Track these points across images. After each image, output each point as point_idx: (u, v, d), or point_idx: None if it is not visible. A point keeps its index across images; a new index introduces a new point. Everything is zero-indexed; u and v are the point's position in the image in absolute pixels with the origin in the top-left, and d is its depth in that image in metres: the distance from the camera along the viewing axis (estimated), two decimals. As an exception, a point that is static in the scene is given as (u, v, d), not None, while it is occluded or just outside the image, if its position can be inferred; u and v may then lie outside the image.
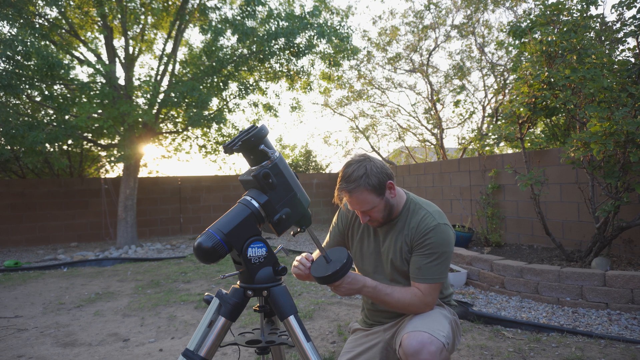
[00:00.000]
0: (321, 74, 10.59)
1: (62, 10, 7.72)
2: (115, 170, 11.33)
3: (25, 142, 6.77)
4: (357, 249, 1.86)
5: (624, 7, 4.78)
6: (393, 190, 1.67)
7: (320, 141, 26.12)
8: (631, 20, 4.53)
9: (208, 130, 9.55)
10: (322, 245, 1.95)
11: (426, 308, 1.64)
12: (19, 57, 6.75)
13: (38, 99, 8.13)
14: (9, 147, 7.72)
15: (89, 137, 8.74)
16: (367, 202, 1.63)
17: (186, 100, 7.89)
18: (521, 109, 4.51)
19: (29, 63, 6.84)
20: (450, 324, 1.65)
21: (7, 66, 6.81)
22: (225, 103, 9.28)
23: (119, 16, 7.64)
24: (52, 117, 7.89)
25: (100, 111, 7.52)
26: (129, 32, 8.25)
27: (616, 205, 3.88)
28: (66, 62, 7.33)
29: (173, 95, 7.69)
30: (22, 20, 7.11)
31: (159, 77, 8.32)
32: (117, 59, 8.23)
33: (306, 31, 8.20)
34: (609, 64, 4.17)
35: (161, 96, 7.88)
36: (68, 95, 7.74)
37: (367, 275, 1.80)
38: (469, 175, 6.82)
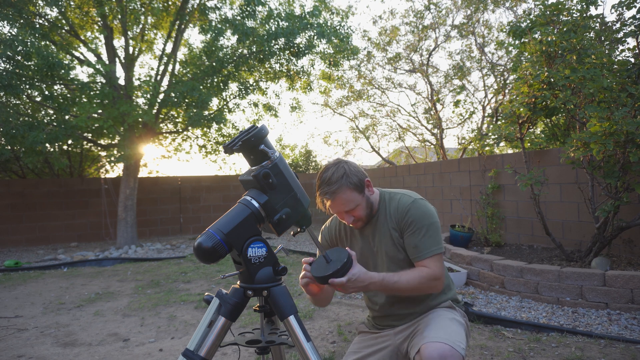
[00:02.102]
0: (321, 74, 10.60)
1: (62, 10, 7.72)
2: (115, 170, 11.34)
3: (25, 142, 6.77)
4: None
5: (624, 7, 4.77)
6: (371, 187, 1.72)
7: (320, 141, 26.16)
8: (631, 20, 4.53)
9: (208, 130, 9.55)
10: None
11: (437, 283, 1.64)
12: (19, 57, 6.75)
13: (38, 99, 8.14)
14: (9, 147, 7.73)
15: (89, 137, 8.74)
16: (350, 201, 1.65)
17: (186, 100, 7.90)
18: (521, 109, 4.51)
19: (29, 63, 6.84)
20: (465, 329, 1.66)
21: (7, 66, 6.81)
22: (225, 103, 9.28)
23: (119, 16, 7.64)
24: (52, 117, 7.89)
25: (100, 111, 7.52)
26: (129, 32, 8.25)
27: (616, 205, 3.88)
28: (66, 62, 7.33)
29: (173, 95, 7.70)
30: (22, 20, 7.11)
31: (159, 77, 8.32)
32: (117, 59, 8.23)
33: (306, 31, 8.20)
34: (609, 64, 4.17)
35: (161, 96, 7.88)
36: (68, 95, 7.75)
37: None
38: (469, 175, 6.82)
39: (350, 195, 1.64)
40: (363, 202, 1.68)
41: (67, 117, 7.56)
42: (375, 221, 1.77)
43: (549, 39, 4.35)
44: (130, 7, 7.58)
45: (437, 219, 1.69)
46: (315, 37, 8.29)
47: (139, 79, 8.32)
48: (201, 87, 8.00)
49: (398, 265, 1.74)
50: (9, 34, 6.94)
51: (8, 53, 6.55)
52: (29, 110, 8.90)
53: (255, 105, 9.87)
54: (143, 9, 8.05)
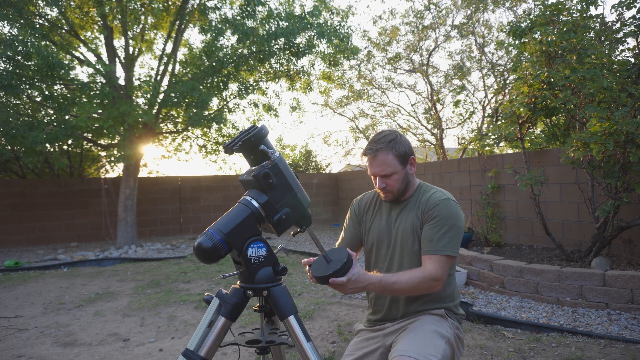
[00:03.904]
0: (321, 74, 10.60)
1: (62, 10, 7.72)
2: (115, 170, 11.35)
3: (25, 142, 6.77)
4: (372, 232, 1.86)
5: (624, 7, 4.78)
6: (414, 167, 1.74)
7: (320, 141, 26.14)
8: (631, 20, 4.53)
9: (208, 130, 9.55)
10: (338, 242, 1.95)
11: (437, 284, 1.61)
12: (19, 57, 6.75)
13: (38, 99, 8.14)
14: (9, 147, 7.73)
15: (89, 137, 8.74)
16: (389, 165, 1.67)
17: (186, 100, 7.90)
18: (521, 109, 4.51)
19: (29, 63, 6.84)
20: (448, 342, 1.62)
21: (8, 66, 6.81)
22: (225, 103, 9.28)
23: (119, 16, 7.64)
24: (52, 117, 7.89)
25: (100, 111, 7.53)
26: (129, 32, 8.25)
27: (616, 205, 3.88)
28: (66, 62, 7.33)
29: (173, 95, 7.70)
30: (22, 21, 7.11)
31: (159, 77, 8.32)
32: (117, 59, 8.23)
33: (306, 31, 8.20)
34: (609, 64, 4.17)
35: (161, 96, 7.88)
36: (68, 95, 7.75)
37: (381, 259, 1.80)
38: (469, 175, 6.82)
39: (392, 160, 1.67)
40: (401, 174, 1.70)
41: (67, 117, 7.56)
42: (405, 205, 1.78)
43: (549, 39, 4.35)
44: (130, 7, 7.58)
45: (462, 224, 1.68)
46: (315, 37, 8.29)
47: (139, 79, 8.32)
48: (201, 87, 8.00)
49: (410, 254, 1.72)
50: (9, 34, 6.94)
51: (8, 53, 6.55)
52: (29, 110, 8.89)
53: (255, 105, 9.87)
54: (143, 9, 8.05)
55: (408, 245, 1.73)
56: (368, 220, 1.88)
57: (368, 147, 1.70)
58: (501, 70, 10.71)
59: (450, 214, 1.67)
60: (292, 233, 1.45)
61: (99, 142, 8.83)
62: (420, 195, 1.77)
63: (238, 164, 13.91)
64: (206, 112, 8.41)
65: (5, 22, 7.02)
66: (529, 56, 4.79)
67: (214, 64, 8.15)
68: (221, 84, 8.62)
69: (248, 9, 7.85)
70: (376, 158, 1.67)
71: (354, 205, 1.94)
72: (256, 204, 1.32)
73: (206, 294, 1.36)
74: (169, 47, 8.52)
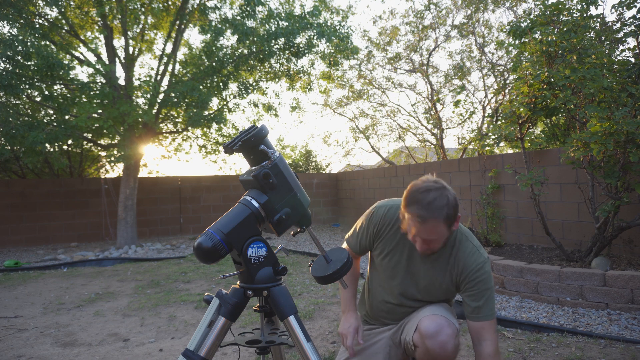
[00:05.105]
0: (321, 74, 10.60)
1: (62, 10, 7.72)
2: (115, 170, 11.35)
3: (25, 142, 6.77)
4: (386, 263, 1.80)
5: (624, 7, 4.77)
6: (457, 223, 1.63)
7: (320, 141, 26.16)
8: (631, 20, 4.53)
9: (208, 130, 9.55)
10: (347, 244, 1.95)
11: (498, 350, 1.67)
12: (19, 57, 6.75)
13: (38, 99, 8.14)
14: (9, 147, 7.72)
15: (89, 137, 8.74)
16: (437, 234, 1.56)
17: (186, 100, 7.89)
18: (521, 109, 4.51)
19: (29, 63, 6.84)
20: (457, 320, 1.77)
21: (7, 66, 6.81)
22: (225, 103, 9.28)
23: (119, 16, 7.64)
24: (52, 117, 7.89)
25: (100, 111, 7.52)
26: (129, 32, 8.25)
27: (616, 205, 3.88)
28: (66, 62, 7.33)
29: (173, 95, 7.69)
30: (22, 20, 7.11)
31: (159, 77, 8.32)
32: (117, 59, 8.23)
33: (306, 31, 8.20)
34: (609, 64, 4.17)
35: (161, 96, 7.88)
36: (68, 95, 7.74)
37: (393, 293, 1.80)
38: (469, 175, 6.82)
39: (441, 228, 1.54)
40: (446, 237, 1.60)
41: (67, 117, 7.56)
42: (439, 253, 1.70)
43: (549, 39, 4.35)
44: (130, 7, 7.58)
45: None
46: (315, 37, 8.29)
47: (139, 79, 8.32)
48: (201, 87, 7.99)
49: (432, 296, 1.77)
50: (9, 34, 6.94)
51: (8, 53, 6.55)
52: (29, 110, 8.89)
53: (255, 105, 9.86)
54: (143, 9, 8.05)
55: (431, 294, 1.76)
56: (386, 245, 1.78)
57: (418, 211, 1.51)
58: (501, 70, 10.71)
59: (490, 277, 1.67)
60: (292, 233, 1.45)
61: (99, 142, 8.83)
62: (457, 248, 1.68)
63: (238, 164, 13.90)
64: (206, 112, 8.40)
65: (5, 22, 7.01)
66: (529, 56, 4.79)
67: (214, 64, 8.15)
68: (221, 84, 8.62)
69: (248, 9, 7.85)
70: (425, 226, 1.53)
71: (376, 220, 1.78)
72: (256, 204, 1.32)
73: (206, 294, 1.36)
74: (169, 47, 8.53)
